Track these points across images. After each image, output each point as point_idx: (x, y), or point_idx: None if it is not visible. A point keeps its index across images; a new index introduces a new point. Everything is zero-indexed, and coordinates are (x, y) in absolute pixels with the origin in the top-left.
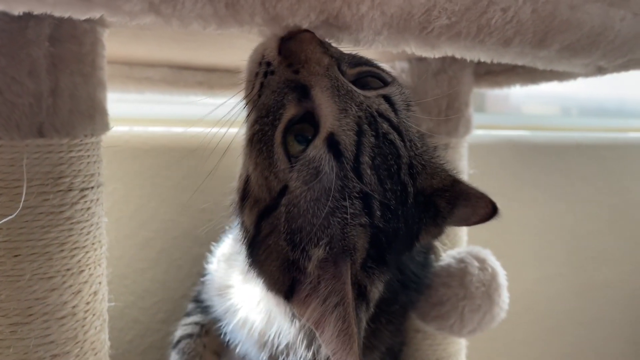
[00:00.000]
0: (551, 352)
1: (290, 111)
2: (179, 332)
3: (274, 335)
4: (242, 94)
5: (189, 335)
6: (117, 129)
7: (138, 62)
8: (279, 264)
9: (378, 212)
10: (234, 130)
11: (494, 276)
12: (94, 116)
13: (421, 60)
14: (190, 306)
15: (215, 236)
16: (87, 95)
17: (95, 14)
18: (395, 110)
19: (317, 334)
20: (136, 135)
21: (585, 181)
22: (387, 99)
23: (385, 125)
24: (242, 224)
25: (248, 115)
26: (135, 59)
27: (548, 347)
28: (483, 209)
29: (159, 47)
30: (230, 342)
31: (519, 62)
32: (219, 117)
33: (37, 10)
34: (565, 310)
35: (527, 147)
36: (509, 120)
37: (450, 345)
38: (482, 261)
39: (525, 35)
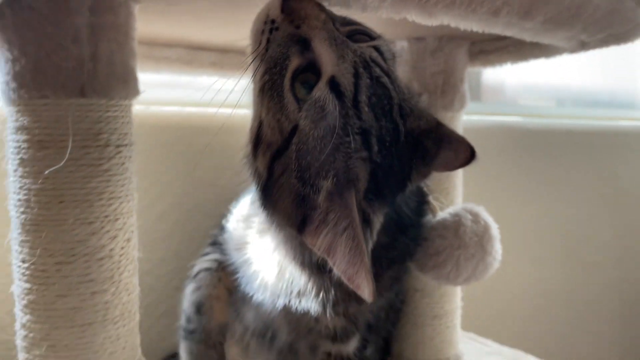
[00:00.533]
0: (543, 329)
1: (294, 62)
2: (197, 267)
3: (287, 284)
4: (250, 50)
5: (207, 269)
6: (135, 108)
7: (158, 42)
8: (292, 200)
9: (375, 147)
10: (241, 110)
11: (486, 228)
12: (127, 81)
13: (419, 39)
14: (209, 249)
15: (225, 209)
16: (121, 62)
17: None
18: (384, 59)
19: (329, 261)
20: (152, 115)
21: (576, 166)
22: (377, 49)
23: (377, 70)
24: (256, 170)
25: (257, 68)
26: (155, 39)
27: (540, 325)
28: (463, 153)
29: (180, 25)
30: (247, 292)
31: (508, 33)
32: (228, 99)
33: None
34: (557, 290)
35: (520, 133)
36: (504, 109)
37: (447, 304)
38: (475, 215)
39: (512, 6)
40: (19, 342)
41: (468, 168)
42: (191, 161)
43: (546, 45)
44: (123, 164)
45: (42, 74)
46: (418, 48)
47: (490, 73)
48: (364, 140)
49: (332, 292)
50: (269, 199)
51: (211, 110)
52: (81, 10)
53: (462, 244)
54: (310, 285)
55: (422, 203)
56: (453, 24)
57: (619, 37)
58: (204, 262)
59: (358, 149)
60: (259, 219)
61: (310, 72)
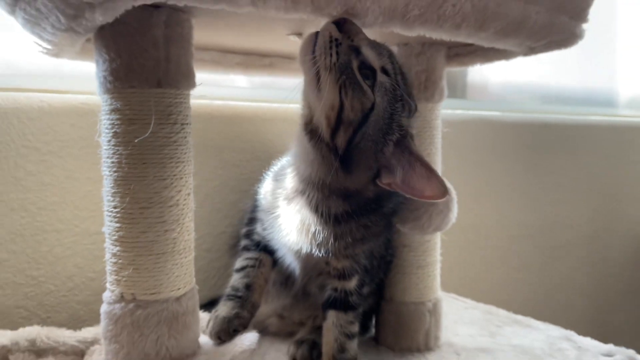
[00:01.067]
0: (516, 298)
1: (355, 63)
2: (242, 263)
3: (311, 237)
4: (322, 61)
5: (251, 266)
6: None
7: (197, 47)
8: (369, 156)
9: (407, 111)
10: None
11: (450, 192)
12: (188, 76)
13: (406, 44)
14: (245, 242)
15: (246, 186)
16: (185, 62)
17: (218, 7)
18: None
19: (403, 189)
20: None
21: (551, 156)
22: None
23: (395, 60)
24: (333, 145)
25: (330, 71)
26: (195, 44)
27: (515, 295)
28: None
29: (215, 33)
30: (276, 251)
31: (470, 41)
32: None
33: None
34: (531, 264)
35: (500, 126)
36: (488, 105)
37: (429, 257)
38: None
39: (469, 22)
40: (110, 268)
41: (456, 155)
42: (218, 145)
43: (504, 50)
44: (185, 137)
45: (131, 71)
46: (405, 51)
47: (476, 73)
48: (402, 105)
49: (344, 238)
50: (349, 164)
51: (235, 104)
52: (159, 24)
53: (433, 203)
54: (330, 235)
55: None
56: (428, 35)
57: (558, 43)
58: (246, 260)
59: (402, 111)
60: (286, 189)
61: (364, 67)
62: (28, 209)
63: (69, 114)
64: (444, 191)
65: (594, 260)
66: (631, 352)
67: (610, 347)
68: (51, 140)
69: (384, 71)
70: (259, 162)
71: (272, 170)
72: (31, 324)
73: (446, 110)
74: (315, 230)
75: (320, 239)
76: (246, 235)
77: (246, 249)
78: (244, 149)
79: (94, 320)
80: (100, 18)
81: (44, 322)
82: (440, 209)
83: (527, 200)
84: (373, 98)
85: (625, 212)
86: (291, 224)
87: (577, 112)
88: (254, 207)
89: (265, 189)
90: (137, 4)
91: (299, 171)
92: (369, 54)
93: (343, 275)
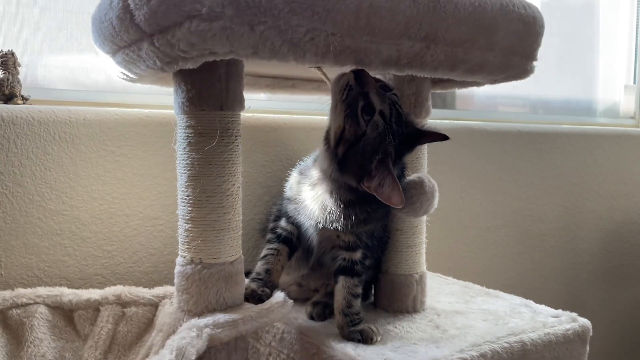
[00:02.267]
0: (494, 282)
1: (361, 103)
2: (264, 252)
3: (327, 215)
4: (339, 97)
5: (271, 254)
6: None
7: None
8: (358, 167)
9: (396, 140)
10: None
11: (434, 185)
12: (240, 101)
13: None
14: (270, 236)
15: (270, 182)
16: (239, 91)
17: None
18: (398, 101)
19: (378, 192)
20: None
21: (526, 158)
22: (395, 94)
23: (396, 107)
24: (335, 154)
25: (342, 104)
26: None
27: (492, 279)
28: (434, 136)
29: (255, 66)
30: (300, 225)
31: (445, 77)
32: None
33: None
34: (508, 252)
35: (482, 133)
36: (475, 115)
37: (416, 239)
38: (428, 178)
39: (444, 65)
40: (182, 239)
41: (444, 158)
42: (249, 149)
43: (474, 81)
44: (238, 146)
45: (202, 98)
46: (399, 79)
47: None
48: (392, 137)
49: (350, 219)
50: (344, 167)
51: (261, 115)
52: (222, 65)
53: (424, 192)
54: (340, 214)
55: (403, 171)
56: (414, 74)
57: (514, 76)
58: (268, 250)
59: (390, 141)
60: (312, 178)
61: (367, 108)
62: (105, 198)
63: (136, 125)
64: (402, 201)
65: (564, 250)
66: (574, 314)
67: (559, 311)
68: (123, 145)
69: (381, 113)
70: (281, 162)
71: (297, 168)
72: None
73: (438, 120)
74: (330, 210)
75: (333, 217)
76: (271, 230)
77: (269, 241)
78: (269, 152)
79: (152, 286)
80: (190, 66)
81: None
82: (428, 197)
83: (505, 197)
84: (365, 129)
85: (592, 208)
86: (314, 204)
87: (557, 120)
88: (280, 208)
89: (292, 181)
90: (218, 58)
91: (321, 166)
92: (374, 99)
93: (350, 247)
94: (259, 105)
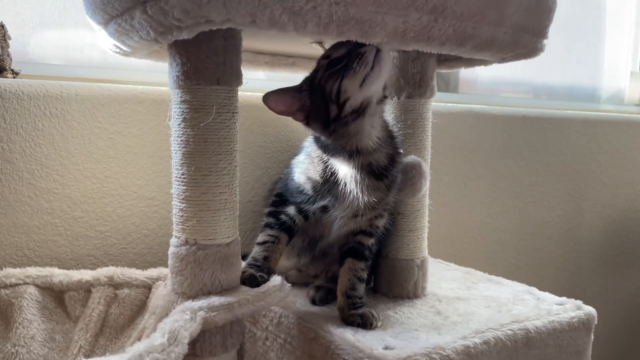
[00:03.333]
0: (496, 269)
1: None
2: (263, 238)
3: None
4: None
5: (270, 241)
6: None
7: None
8: None
9: None
10: None
11: (427, 167)
12: (238, 76)
13: (405, 51)
14: (271, 220)
15: (269, 163)
16: (236, 66)
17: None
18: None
19: None
20: None
21: (529, 144)
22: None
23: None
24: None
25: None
26: None
27: (493, 265)
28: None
29: (249, 40)
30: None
31: (453, 53)
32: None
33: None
34: (510, 239)
35: (486, 117)
36: (478, 99)
37: (418, 223)
38: (419, 160)
39: (451, 41)
40: (177, 220)
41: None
42: (247, 129)
43: (481, 59)
44: (235, 122)
45: (198, 72)
46: (404, 57)
47: (468, 69)
48: None
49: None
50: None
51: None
52: (219, 38)
53: (422, 173)
54: (321, 169)
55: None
56: (421, 49)
57: (524, 55)
58: (267, 236)
59: None
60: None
61: None
62: (98, 176)
63: (130, 101)
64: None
65: (566, 238)
66: (579, 302)
67: (563, 299)
68: (116, 122)
69: None
70: (280, 143)
71: (307, 153)
72: None
73: (441, 103)
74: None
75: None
76: (273, 215)
77: (270, 226)
78: (268, 133)
79: (146, 268)
80: (185, 36)
81: None
82: (425, 177)
83: (508, 183)
84: None
85: (595, 196)
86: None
87: (561, 106)
88: (283, 192)
89: (313, 167)
90: (215, 27)
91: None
92: None
93: (371, 233)
94: (259, 84)
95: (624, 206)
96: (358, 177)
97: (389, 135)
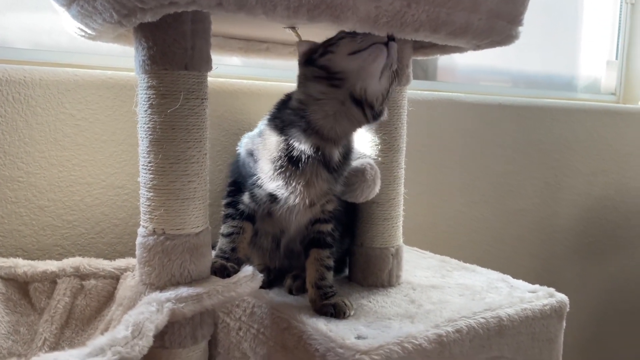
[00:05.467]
0: (473, 258)
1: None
2: (228, 230)
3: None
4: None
5: (235, 232)
6: None
7: None
8: None
9: None
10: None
11: (376, 172)
12: (207, 61)
13: None
14: (230, 211)
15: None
16: (205, 50)
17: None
18: None
19: None
20: None
21: (506, 132)
22: None
23: None
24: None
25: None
26: None
27: (470, 253)
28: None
29: (221, 24)
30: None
31: (428, 40)
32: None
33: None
34: (486, 227)
35: (463, 105)
36: (456, 87)
37: (393, 212)
38: (371, 165)
39: (425, 27)
40: (144, 209)
41: (424, 131)
42: (221, 117)
43: (456, 46)
44: (204, 109)
45: (165, 56)
46: None
47: (446, 57)
48: None
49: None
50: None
51: (234, 81)
52: (187, 21)
53: (364, 180)
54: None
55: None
56: (394, 34)
57: (499, 42)
58: (231, 228)
59: None
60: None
61: None
62: (64, 164)
63: (98, 87)
64: None
65: (542, 226)
66: (551, 290)
67: (536, 286)
68: (84, 108)
69: None
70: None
71: (255, 139)
72: None
73: (418, 91)
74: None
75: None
76: (231, 205)
77: (231, 217)
78: (241, 120)
79: (116, 258)
80: (149, 18)
81: None
82: (369, 184)
83: (484, 171)
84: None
85: (571, 184)
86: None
87: (538, 94)
88: (237, 180)
89: (264, 153)
90: (180, 9)
91: (343, 127)
92: None
93: (327, 219)
94: (232, 70)
95: (599, 194)
96: (310, 161)
97: (349, 140)
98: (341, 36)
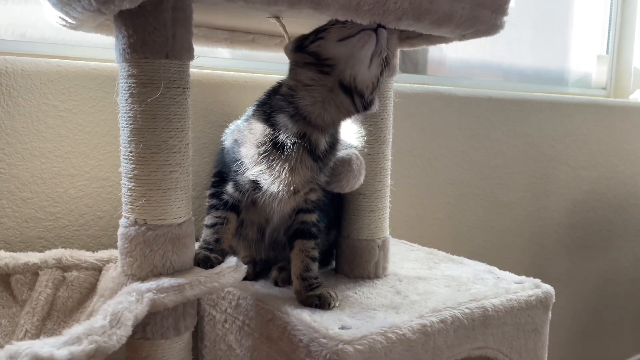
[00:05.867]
0: (461, 250)
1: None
2: (212, 220)
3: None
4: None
5: (219, 222)
6: None
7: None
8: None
9: None
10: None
11: (361, 162)
12: (189, 50)
13: None
14: (214, 202)
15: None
16: (187, 39)
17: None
18: None
19: None
20: None
21: (495, 126)
22: None
23: None
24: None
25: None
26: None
27: (459, 246)
28: None
29: (206, 14)
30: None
31: (412, 29)
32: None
33: None
34: (476, 220)
35: (453, 99)
36: (446, 81)
37: (379, 203)
38: (356, 155)
39: (408, 15)
40: (125, 199)
41: (413, 124)
42: (207, 109)
43: (441, 36)
44: (185, 98)
45: (145, 45)
46: None
47: (436, 51)
48: None
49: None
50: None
51: (220, 73)
52: (168, 9)
53: (351, 170)
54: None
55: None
56: (377, 22)
57: (483, 32)
58: (215, 218)
59: None
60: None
61: None
62: (47, 156)
63: (82, 78)
64: None
65: (532, 219)
66: (537, 280)
67: (522, 277)
68: (67, 99)
69: None
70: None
71: (240, 129)
72: None
73: (407, 84)
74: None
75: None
76: (215, 196)
77: (215, 207)
78: (228, 112)
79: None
80: (127, 5)
81: None
82: (355, 174)
83: (474, 165)
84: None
85: (560, 178)
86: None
87: (529, 89)
88: (221, 170)
89: (248, 142)
90: None
91: (332, 116)
92: None
93: (310, 209)
94: (218, 63)
95: (588, 188)
96: (295, 147)
97: (336, 129)
98: (332, 23)
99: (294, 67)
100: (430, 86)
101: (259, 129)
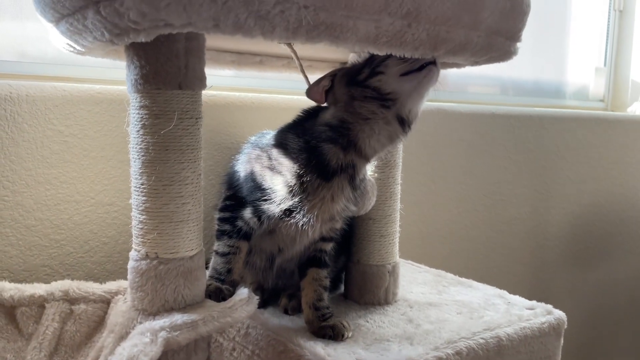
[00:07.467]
0: (465, 267)
1: None
2: (224, 249)
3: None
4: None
5: (232, 252)
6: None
7: None
8: None
9: None
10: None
11: (373, 184)
12: (201, 80)
13: None
14: (227, 227)
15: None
16: (199, 69)
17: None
18: None
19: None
20: None
21: (497, 141)
22: None
23: None
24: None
25: None
26: None
27: (462, 262)
28: None
29: (213, 39)
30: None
31: (429, 57)
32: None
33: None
34: (478, 236)
35: (453, 115)
36: (445, 95)
37: (389, 228)
38: (368, 177)
39: (425, 46)
40: (136, 232)
41: (416, 141)
42: (213, 130)
43: (454, 62)
44: (198, 129)
45: (158, 75)
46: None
47: None
48: None
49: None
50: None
51: (226, 94)
52: (181, 40)
53: (365, 193)
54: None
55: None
56: (393, 52)
57: (497, 58)
58: (227, 248)
59: None
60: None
61: None
62: (52, 182)
63: (87, 102)
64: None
65: (533, 234)
66: (549, 306)
67: (533, 302)
68: (72, 124)
69: None
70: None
71: (266, 152)
72: (54, 280)
73: None
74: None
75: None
76: (229, 221)
77: (227, 235)
78: (234, 134)
79: (106, 277)
80: (143, 39)
81: (64, 279)
82: (369, 196)
83: (476, 181)
84: None
85: (561, 192)
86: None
87: (527, 102)
88: (236, 193)
89: (282, 166)
90: (174, 31)
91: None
92: None
93: (330, 237)
94: (224, 82)
95: (588, 202)
96: (339, 176)
97: None
98: (386, 55)
99: (349, 100)
100: (433, 103)
101: (299, 159)
